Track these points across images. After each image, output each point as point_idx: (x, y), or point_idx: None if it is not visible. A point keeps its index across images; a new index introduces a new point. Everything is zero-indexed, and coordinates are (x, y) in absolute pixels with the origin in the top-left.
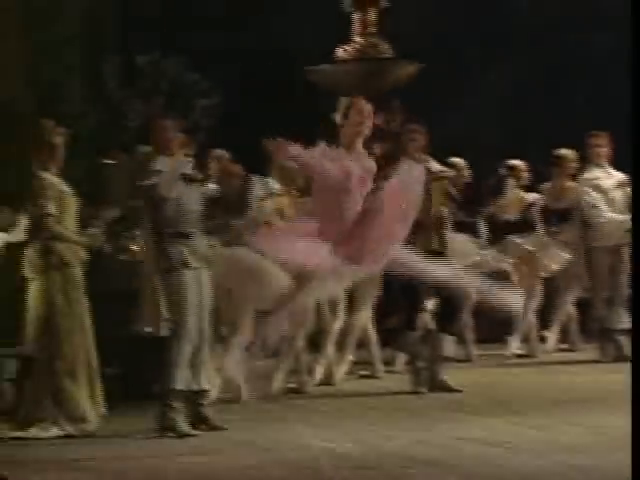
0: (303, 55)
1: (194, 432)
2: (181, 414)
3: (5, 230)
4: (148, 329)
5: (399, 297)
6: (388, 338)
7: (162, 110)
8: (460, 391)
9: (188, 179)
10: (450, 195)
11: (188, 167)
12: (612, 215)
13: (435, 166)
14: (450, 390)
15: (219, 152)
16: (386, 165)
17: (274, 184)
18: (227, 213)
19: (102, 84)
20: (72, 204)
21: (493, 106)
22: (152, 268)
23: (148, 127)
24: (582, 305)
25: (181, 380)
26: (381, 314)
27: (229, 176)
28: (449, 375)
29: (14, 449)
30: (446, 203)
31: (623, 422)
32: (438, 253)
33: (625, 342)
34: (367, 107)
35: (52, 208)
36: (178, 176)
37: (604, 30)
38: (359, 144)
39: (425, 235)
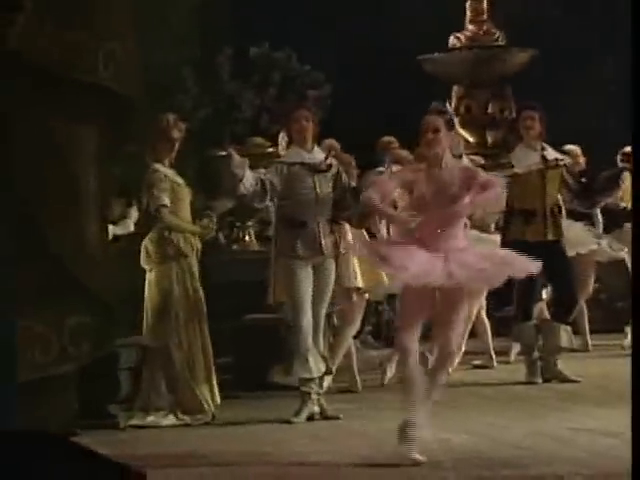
0: (417, 44)
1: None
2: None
3: (116, 222)
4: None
5: (514, 286)
6: (504, 328)
7: (274, 101)
8: (577, 381)
9: (313, 169)
10: (566, 183)
11: (318, 158)
12: None
13: (552, 153)
14: (567, 380)
15: (331, 142)
16: (500, 153)
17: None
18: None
19: (215, 77)
20: (186, 195)
21: (607, 92)
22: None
23: (286, 117)
24: None
25: (307, 367)
26: (496, 304)
27: (342, 166)
28: (565, 365)
29: (132, 435)
30: (562, 191)
31: None
32: (554, 242)
33: None
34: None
35: (167, 199)
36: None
37: None
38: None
39: (540, 224)
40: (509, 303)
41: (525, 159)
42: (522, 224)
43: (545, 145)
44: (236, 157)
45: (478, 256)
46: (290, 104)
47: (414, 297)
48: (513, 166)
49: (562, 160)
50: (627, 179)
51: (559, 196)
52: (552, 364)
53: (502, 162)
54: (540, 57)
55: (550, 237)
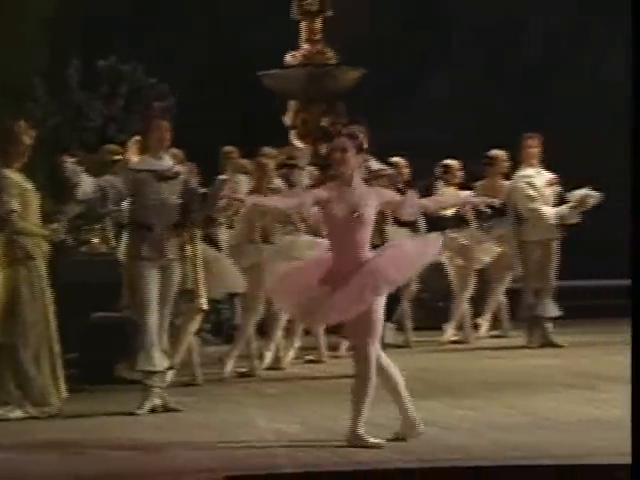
0: (258, 59)
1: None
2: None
3: None
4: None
5: None
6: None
7: (121, 112)
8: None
9: (161, 176)
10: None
11: (166, 165)
12: (546, 210)
13: (375, 165)
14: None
15: (174, 151)
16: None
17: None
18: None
19: (65, 87)
20: (34, 200)
21: (432, 107)
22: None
23: (145, 126)
24: (512, 295)
25: (151, 362)
26: None
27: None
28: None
29: None
30: None
31: (549, 404)
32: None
33: (551, 329)
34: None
35: (16, 205)
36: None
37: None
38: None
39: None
40: None
41: None
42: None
43: (369, 157)
44: (68, 165)
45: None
46: (152, 113)
47: None
48: None
49: (384, 170)
50: (440, 188)
51: None
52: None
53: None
54: (371, 75)
55: (376, 242)
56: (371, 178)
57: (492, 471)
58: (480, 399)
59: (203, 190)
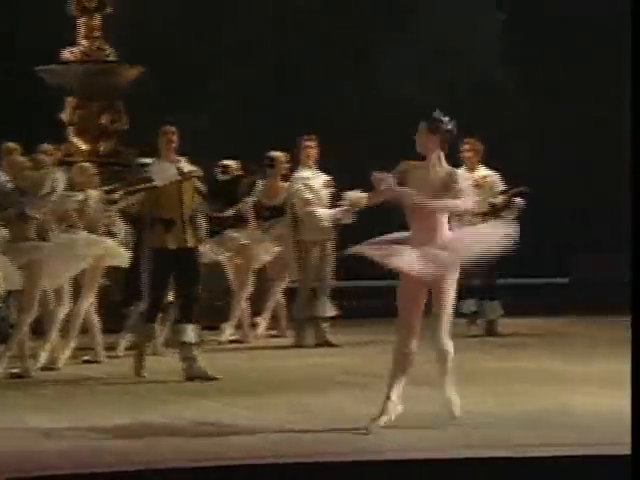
0: (35, 55)
1: None
2: None
3: None
4: None
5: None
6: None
7: None
8: (217, 378)
9: None
10: (200, 192)
11: None
12: (322, 211)
13: (187, 166)
14: (207, 378)
15: None
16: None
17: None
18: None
19: None
20: None
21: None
22: None
23: None
24: (290, 294)
25: None
26: (125, 299)
27: None
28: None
29: None
30: (196, 200)
31: (325, 400)
32: (192, 249)
33: (328, 329)
34: None
35: None
36: None
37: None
38: None
39: (179, 231)
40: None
41: (163, 172)
42: (162, 232)
43: (179, 158)
44: None
45: None
46: None
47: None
48: (153, 180)
49: (196, 172)
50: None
51: (194, 205)
52: (193, 363)
53: (142, 177)
54: (155, 73)
55: (190, 244)
56: (182, 179)
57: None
58: (256, 398)
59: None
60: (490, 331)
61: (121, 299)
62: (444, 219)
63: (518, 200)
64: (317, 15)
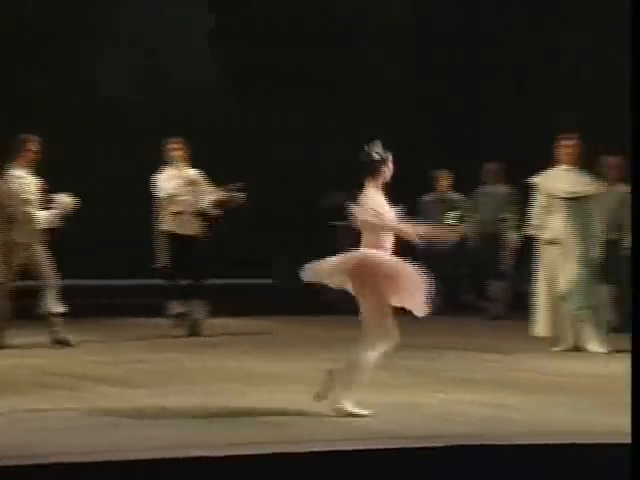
0: None
1: None
2: None
3: None
4: None
5: None
6: None
7: None
8: None
9: None
10: None
11: None
12: (38, 214)
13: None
14: None
15: None
16: None
17: None
18: None
19: None
20: None
21: None
22: None
23: None
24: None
25: None
26: None
27: None
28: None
29: None
30: None
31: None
32: None
33: (59, 326)
34: None
35: None
36: None
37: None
38: None
39: None
40: None
41: None
42: None
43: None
44: None
45: None
46: None
47: None
48: None
49: None
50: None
51: None
52: None
53: None
54: None
55: None
56: None
57: None
58: None
59: None
60: (195, 331)
61: None
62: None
63: (237, 195)
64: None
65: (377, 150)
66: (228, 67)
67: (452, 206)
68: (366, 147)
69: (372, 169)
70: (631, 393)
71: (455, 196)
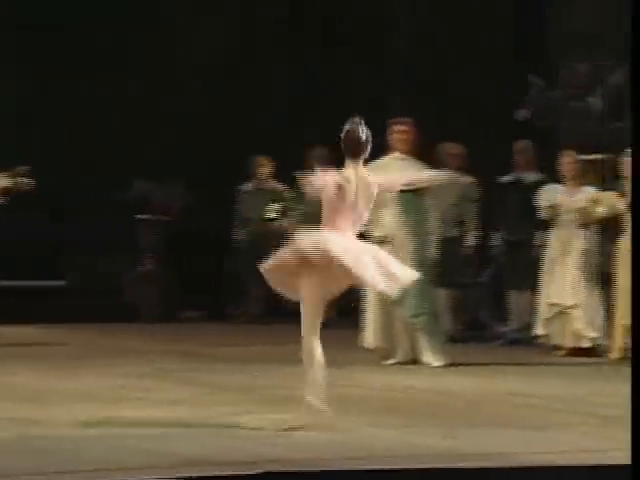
0: None
1: None
2: None
3: None
4: None
5: None
6: None
7: None
8: None
9: None
10: None
11: None
12: None
13: None
14: None
15: None
16: None
17: None
18: None
19: None
20: None
21: None
22: None
23: None
24: None
25: None
26: None
27: None
28: None
29: None
30: None
31: None
32: None
33: None
34: None
35: None
36: None
37: None
38: None
39: None
40: None
41: None
42: None
43: None
44: None
45: None
46: None
47: None
48: None
49: None
50: None
51: None
52: None
53: None
54: None
55: None
56: None
57: None
58: None
59: None
60: None
61: None
62: None
63: (23, 180)
64: None
65: (363, 128)
66: None
67: (273, 198)
68: (357, 126)
69: (361, 148)
70: (631, 397)
71: (278, 186)
